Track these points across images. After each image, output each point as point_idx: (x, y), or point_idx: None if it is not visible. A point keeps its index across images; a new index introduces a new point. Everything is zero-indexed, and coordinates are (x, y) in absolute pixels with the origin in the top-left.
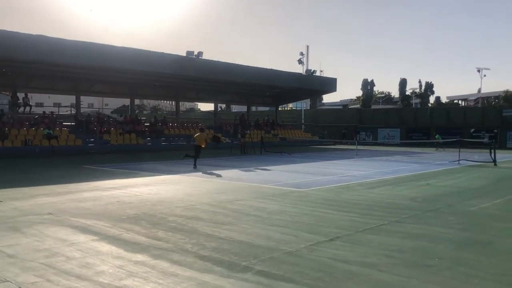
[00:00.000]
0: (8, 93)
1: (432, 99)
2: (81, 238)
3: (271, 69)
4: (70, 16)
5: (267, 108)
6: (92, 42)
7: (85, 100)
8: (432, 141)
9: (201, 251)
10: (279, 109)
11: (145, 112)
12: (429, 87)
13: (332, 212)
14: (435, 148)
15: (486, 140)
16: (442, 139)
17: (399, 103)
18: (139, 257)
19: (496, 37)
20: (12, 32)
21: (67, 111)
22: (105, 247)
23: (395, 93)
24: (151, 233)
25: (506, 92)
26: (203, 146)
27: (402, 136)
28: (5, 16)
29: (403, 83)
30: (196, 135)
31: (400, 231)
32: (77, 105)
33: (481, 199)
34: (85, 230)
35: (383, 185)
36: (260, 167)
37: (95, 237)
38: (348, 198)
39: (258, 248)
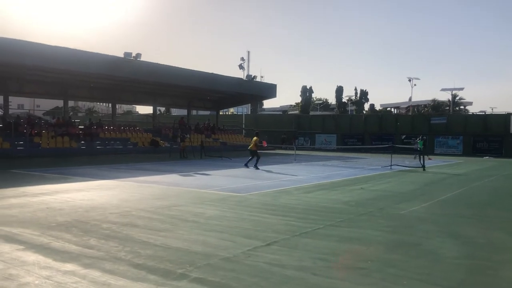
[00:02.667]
0: None
1: (367, 106)
2: (5, 247)
3: (212, 73)
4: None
5: (208, 112)
6: (21, 40)
7: (15, 100)
8: (411, 146)
9: (135, 259)
10: (220, 113)
11: (79, 114)
12: (364, 94)
13: (270, 216)
14: (414, 157)
15: (417, 146)
16: (372, 145)
17: (336, 109)
18: (69, 266)
19: (426, 47)
20: None
21: None
22: (31, 256)
23: (332, 100)
24: (83, 241)
25: (434, 101)
26: (254, 148)
27: (338, 142)
28: None
29: (339, 91)
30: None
31: (334, 235)
32: (5, 105)
33: (410, 203)
34: (10, 239)
35: (319, 189)
36: (199, 172)
37: (21, 246)
38: (285, 202)
39: (194, 254)
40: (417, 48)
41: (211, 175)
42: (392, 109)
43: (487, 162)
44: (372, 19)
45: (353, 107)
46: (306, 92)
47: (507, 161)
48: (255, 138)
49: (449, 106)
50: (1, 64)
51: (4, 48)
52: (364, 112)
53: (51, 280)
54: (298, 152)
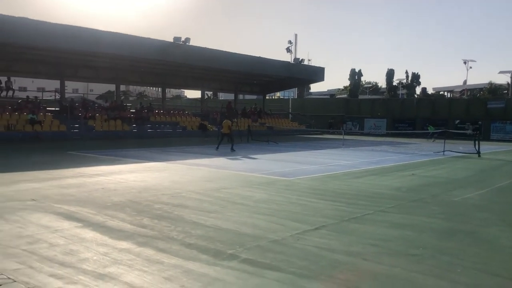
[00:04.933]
0: None
1: (418, 90)
2: (65, 224)
3: (259, 57)
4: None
5: (254, 97)
6: (76, 26)
7: (70, 85)
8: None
9: (186, 238)
10: (267, 97)
11: (130, 98)
12: (416, 78)
13: (318, 201)
14: (432, 140)
15: (469, 131)
16: (424, 130)
17: (386, 93)
18: (124, 244)
19: (482, 29)
20: None
21: (51, 96)
22: (89, 234)
23: (382, 83)
24: (136, 220)
25: (490, 84)
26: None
27: (388, 127)
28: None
29: (390, 74)
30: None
31: (384, 221)
32: (62, 90)
33: (465, 190)
34: (69, 216)
35: (368, 175)
36: (247, 156)
37: (79, 224)
38: (334, 187)
39: (244, 236)
40: (473, 29)
41: (258, 159)
42: (446, 93)
43: None
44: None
45: (404, 91)
46: (355, 75)
47: None
48: (228, 121)
49: (507, 89)
50: (58, 50)
51: (60, 34)
52: (416, 96)
53: (108, 257)
54: (346, 137)
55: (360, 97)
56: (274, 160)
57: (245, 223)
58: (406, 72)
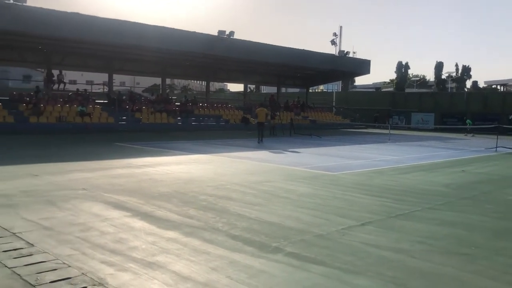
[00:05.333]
0: (43, 70)
1: (469, 84)
2: (115, 213)
3: (303, 50)
4: None
5: (297, 90)
6: (124, 20)
7: (117, 78)
8: (464, 127)
9: (231, 230)
10: (310, 91)
11: (175, 91)
12: (466, 71)
13: (364, 196)
14: (464, 134)
15: None
16: (475, 125)
17: (434, 87)
18: (171, 234)
19: None
20: (47, 9)
21: (99, 88)
22: (137, 223)
23: (430, 76)
24: (183, 211)
25: None
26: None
27: (437, 121)
28: None
29: (439, 67)
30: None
31: (433, 218)
32: (110, 83)
33: None
34: (118, 206)
35: (416, 171)
36: (289, 149)
37: (128, 213)
38: (380, 182)
39: (288, 230)
40: None
41: (301, 153)
42: (499, 87)
43: None
44: None
45: (454, 84)
46: (402, 68)
47: None
48: (263, 109)
49: None
50: (107, 44)
51: (110, 29)
52: (466, 89)
53: (156, 246)
54: (392, 131)
55: (407, 90)
56: (318, 154)
57: (289, 217)
58: (456, 65)
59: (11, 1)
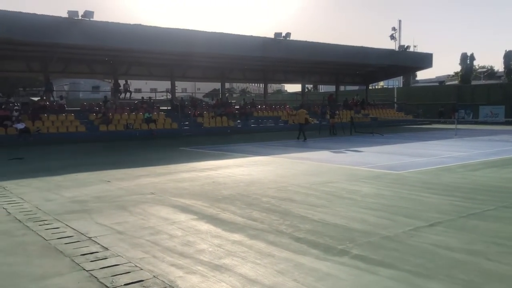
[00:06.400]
0: (110, 80)
1: None
2: (182, 217)
3: (361, 47)
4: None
5: (356, 87)
6: (182, 29)
7: (179, 85)
8: None
9: (295, 232)
10: (370, 87)
11: (234, 95)
12: None
13: (431, 195)
14: None
15: None
16: None
17: (504, 77)
18: (236, 236)
19: None
20: (113, 23)
21: (162, 96)
22: (204, 226)
23: (498, 67)
24: (246, 213)
25: None
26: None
27: (507, 114)
28: (103, 10)
29: (508, 56)
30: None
31: (510, 217)
32: (172, 90)
33: None
34: (184, 209)
35: (487, 167)
36: (350, 149)
37: (194, 216)
38: (449, 180)
39: (353, 231)
40: None
41: (363, 152)
42: None
43: None
44: None
45: None
46: (467, 59)
47: None
48: (303, 110)
49: None
50: (168, 53)
51: (169, 38)
52: None
53: (222, 248)
54: (459, 126)
55: (473, 82)
56: (380, 152)
57: (354, 218)
58: None
59: (80, 17)
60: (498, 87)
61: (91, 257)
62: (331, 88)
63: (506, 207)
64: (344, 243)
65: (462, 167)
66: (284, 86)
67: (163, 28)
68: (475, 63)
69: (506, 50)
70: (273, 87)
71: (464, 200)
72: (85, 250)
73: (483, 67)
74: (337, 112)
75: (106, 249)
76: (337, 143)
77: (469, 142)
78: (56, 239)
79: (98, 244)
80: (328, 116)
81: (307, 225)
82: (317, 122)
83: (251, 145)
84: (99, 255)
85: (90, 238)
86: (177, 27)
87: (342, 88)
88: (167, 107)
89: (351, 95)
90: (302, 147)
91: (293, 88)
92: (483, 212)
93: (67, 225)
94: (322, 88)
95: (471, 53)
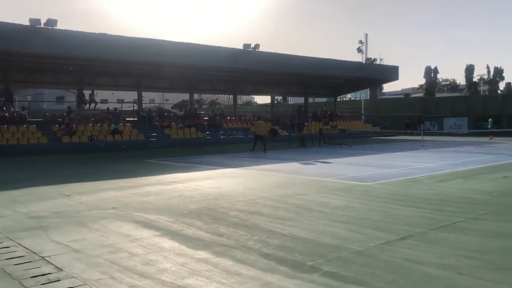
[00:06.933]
0: (75, 91)
1: (502, 86)
2: (144, 233)
3: (329, 59)
4: (125, 14)
5: (325, 99)
6: (150, 39)
7: (147, 95)
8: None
9: (264, 248)
10: (338, 99)
11: (203, 106)
12: (499, 72)
13: (401, 207)
14: (489, 137)
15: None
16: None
17: (466, 90)
18: (202, 254)
19: None
20: (76, 31)
21: (129, 106)
22: (167, 243)
23: (460, 80)
24: (213, 228)
25: None
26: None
27: (470, 126)
28: (69, 18)
29: (469, 70)
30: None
31: (479, 229)
32: (139, 101)
33: None
34: (147, 225)
35: (454, 178)
36: (320, 160)
37: (158, 233)
38: (417, 192)
39: (323, 246)
40: None
41: (331, 163)
42: None
43: None
44: None
45: (486, 87)
46: (431, 72)
47: None
48: (262, 122)
49: None
50: (135, 62)
51: (136, 48)
52: (500, 91)
53: (186, 267)
54: (425, 138)
55: (437, 95)
56: (349, 164)
57: (324, 232)
58: (488, 67)
59: (42, 26)
60: (461, 100)
61: (43, 279)
62: (300, 100)
63: (474, 218)
64: (314, 259)
65: (429, 178)
66: (254, 97)
67: (130, 37)
68: (439, 76)
69: (467, 64)
70: (242, 98)
71: (433, 212)
72: (36, 272)
73: (446, 80)
74: (306, 124)
75: (60, 269)
76: (306, 155)
77: (436, 154)
78: (4, 259)
79: (52, 264)
80: (296, 128)
81: (275, 240)
82: (287, 133)
83: (220, 157)
84: (52, 276)
85: (43, 257)
86: (144, 37)
87: (310, 100)
88: (134, 118)
89: (319, 106)
90: (272, 158)
91: (262, 99)
92: (452, 224)
93: (19, 243)
94: (292, 100)
95: (435, 66)
